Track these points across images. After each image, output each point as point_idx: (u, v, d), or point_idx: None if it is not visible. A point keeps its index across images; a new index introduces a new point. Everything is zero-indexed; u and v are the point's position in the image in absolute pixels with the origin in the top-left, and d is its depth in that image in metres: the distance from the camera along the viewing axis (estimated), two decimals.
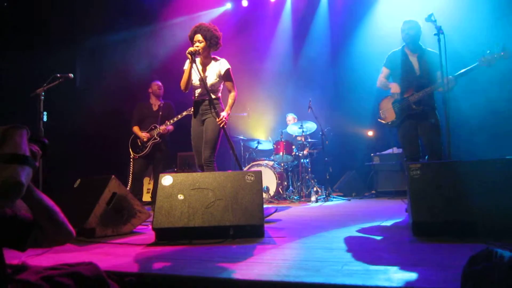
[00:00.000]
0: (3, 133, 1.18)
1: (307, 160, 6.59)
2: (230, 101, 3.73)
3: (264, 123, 7.93)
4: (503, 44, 3.30)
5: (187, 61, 3.59)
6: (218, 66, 3.68)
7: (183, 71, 3.66)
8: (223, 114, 3.57)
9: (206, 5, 7.98)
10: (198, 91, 3.73)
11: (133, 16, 7.09)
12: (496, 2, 5.69)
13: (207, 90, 3.56)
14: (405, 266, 1.73)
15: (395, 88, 3.80)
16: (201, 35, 3.57)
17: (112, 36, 7.13)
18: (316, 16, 8.05)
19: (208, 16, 8.10)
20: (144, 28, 7.44)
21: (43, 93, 3.82)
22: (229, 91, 3.75)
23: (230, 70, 3.70)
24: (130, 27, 7.22)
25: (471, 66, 3.39)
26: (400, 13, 6.16)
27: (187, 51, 3.52)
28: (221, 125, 3.54)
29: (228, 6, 8.29)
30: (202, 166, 3.68)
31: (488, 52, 3.32)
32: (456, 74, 3.38)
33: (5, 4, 5.79)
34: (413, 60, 3.73)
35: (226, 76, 3.68)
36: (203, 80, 3.57)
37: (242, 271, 1.75)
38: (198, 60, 3.72)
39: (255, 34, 8.29)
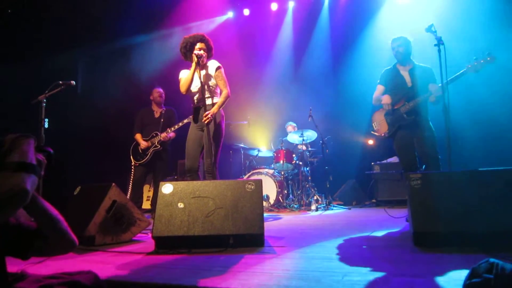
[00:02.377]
0: (12, 142, 1.21)
1: (307, 168, 6.58)
2: (220, 99, 3.74)
3: (264, 132, 7.94)
4: (488, 50, 3.38)
5: (193, 64, 3.66)
6: (210, 68, 3.78)
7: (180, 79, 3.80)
8: (210, 111, 3.61)
9: (208, 14, 8.04)
10: (197, 97, 3.78)
11: (135, 24, 7.13)
12: (495, 12, 5.73)
13: (203, 95, 3.64)
14: (405, 276, 1.72)
15: (386, 99, 3.84)
16: (205, 45, 3.77)
17: (114, 43, 7.18)
18: (317, 25, 8.11)
19: (210, 25, 8.17)
20: (146, 35, 7.49)
21: (44, 100, 3.83)
22: (221, 91, 3.79)
23: (221, 68, 3.78)
24: (132, 34, 7.27)
25: (459, 72, 3.45)
26: (401, 24, 6.22)
27: (194, 53, 3.64)
28: (205, 122, 3.57)
29: (230, 15, 8.37)
30: (192, 170, 3.72)
31: (474, 58, 3.40)
32: (444, 82, 3.39)
33: (9, 11, 5.84)
34: (405, 74, 3.81)
35: (217, 75, 3.75)
36: (203, 86, 3.64)
37: (242, 281, 1.74)
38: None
39: (256, 43, 8.35)
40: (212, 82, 3.75)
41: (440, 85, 3.32)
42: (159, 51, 7.51)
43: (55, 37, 6.30)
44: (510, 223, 2.22)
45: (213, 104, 3.72)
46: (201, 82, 3.62)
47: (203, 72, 3.74)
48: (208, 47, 3.79)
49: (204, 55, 3.70)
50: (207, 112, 3.58)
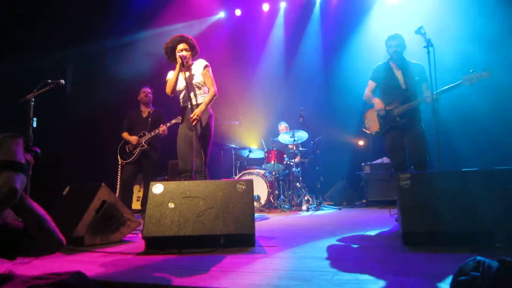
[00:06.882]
0: (0, 141, 1.19)
1: (298, 169, 6.60)
2: (207, 98, 3.67)
3: (256, 132, 7.94)
4: (486, 66, 3.41)
5: (177, 65, 3.61)
6: (198, 66, 3.74)
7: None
8: (196, 111, 3.56)
9: (200, 14, 8.02)
10: (183, 96, 3.74)
11: (125, 24, 7.08)
12: (484, 13, 5.82)
13: (189, 95, 3.60)
14: (395, 275, 1.73)
15: (378, 104, 3.86)
16: (187, 44, 3.69)
17: (104, 43, 7.11)
18: (308, 26, 8.15)
19: (202, 25, 8.15)
20: (136, 35, 7.42)
21: (33, 99, 3.77)
22: (208, 89, 3.73)
23: (208, 66, 3.74)
24: (123, 34, 7.21)
25: (454, 84, 3.49)
26: (391, 25, 6.28)
27: (178, 55, 3.58)
28: (193, 123, 3.54)
29: (222, 15, 8.36)
30: (186, 171, 3.67)
31: (471, 71, 3.42)
32: (439, 90, 3.41)
33: None
34: (398, 74, 3.81)
35: (204, 73, 3.70)
36: (188, 85, 3.60)
37: (233, 280, 1.74)
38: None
39: (248, 43, 8.35)
40: (198, 81, 3.69)
41: (435, 93, 3.32)
42: (149, 51, 7.45)
43: (45, 36, 6.22)
44: (496, 222, 2.25)
45: (198, 104, 3.65)
46: (186, 81, 3.59)
47: (189, 71, 3.71)
48: (190, 46, 3.71)
49: (187, 55, 3.63)
50: (193, 113, 3.53)
